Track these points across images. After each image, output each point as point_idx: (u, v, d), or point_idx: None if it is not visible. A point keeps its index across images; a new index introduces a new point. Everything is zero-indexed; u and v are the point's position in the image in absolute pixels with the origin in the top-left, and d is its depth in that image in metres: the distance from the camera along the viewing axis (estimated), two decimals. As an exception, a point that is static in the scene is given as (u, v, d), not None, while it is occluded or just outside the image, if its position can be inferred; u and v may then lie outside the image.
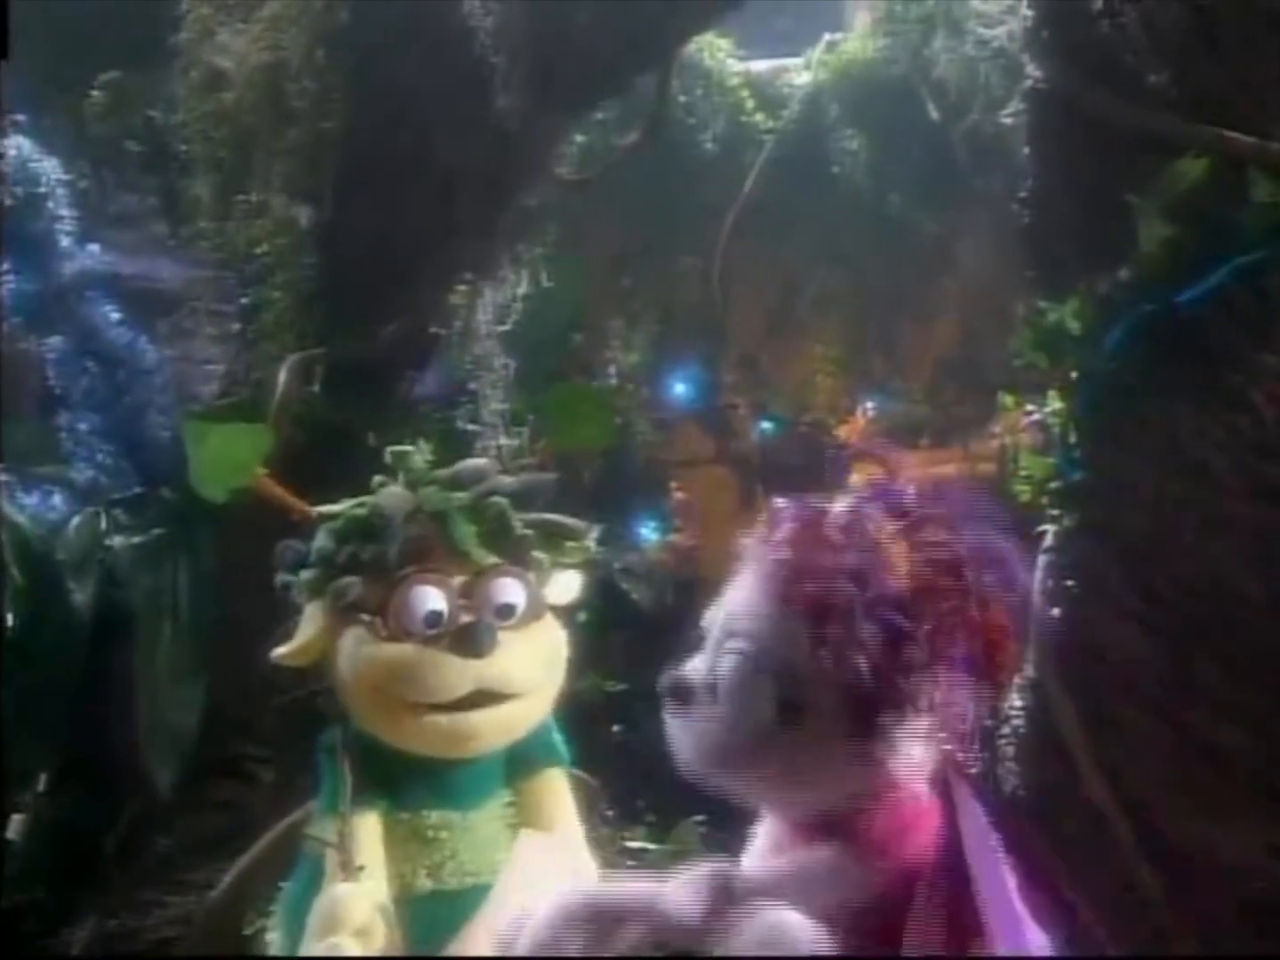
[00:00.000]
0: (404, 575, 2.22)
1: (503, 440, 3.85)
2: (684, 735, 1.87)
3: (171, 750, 3.17)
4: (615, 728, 3.87)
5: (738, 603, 1.87)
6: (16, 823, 3.37)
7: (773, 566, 1.83)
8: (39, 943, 3.21)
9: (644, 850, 3.23)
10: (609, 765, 2.79)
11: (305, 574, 2.31)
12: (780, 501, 1.98)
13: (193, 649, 3.26)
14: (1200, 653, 2.51)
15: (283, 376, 3.38)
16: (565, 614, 2.45)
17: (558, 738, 2.47)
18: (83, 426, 3.40)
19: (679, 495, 5.25)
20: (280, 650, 2.33)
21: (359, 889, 2.17)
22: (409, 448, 2.44)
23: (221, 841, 3.24)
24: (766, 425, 5.46)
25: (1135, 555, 2.62)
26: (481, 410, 3.82)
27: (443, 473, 2.38)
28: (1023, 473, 2.80)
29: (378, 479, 2.42)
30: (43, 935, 3.23)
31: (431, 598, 2.23)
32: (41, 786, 3.40)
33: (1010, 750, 2.77)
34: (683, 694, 1.85)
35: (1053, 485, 2.73)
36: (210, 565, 3.27)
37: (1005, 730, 2.81)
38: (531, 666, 2.29)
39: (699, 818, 3.45)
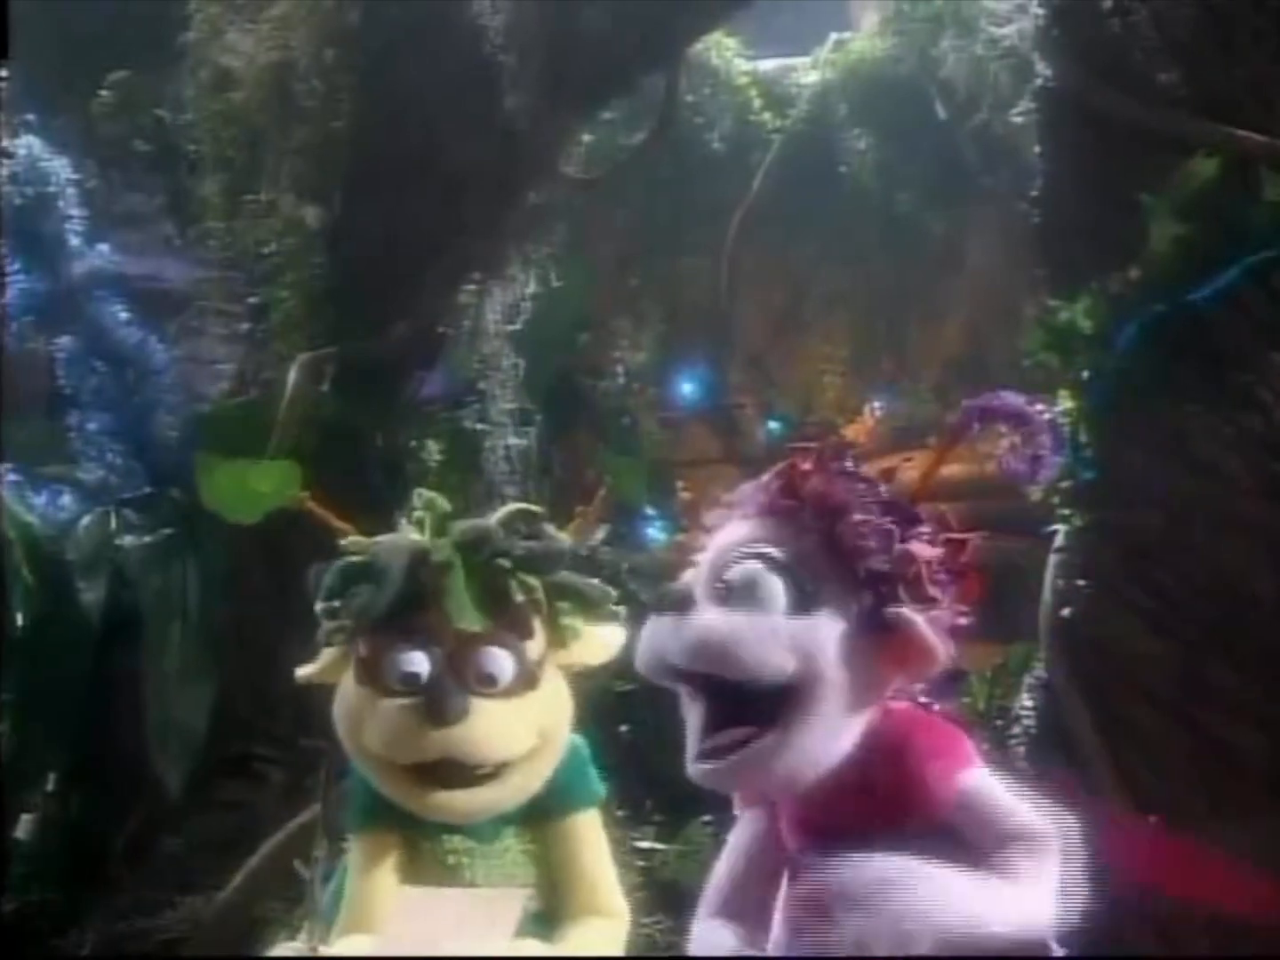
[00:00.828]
0: (392, 630, 2.17)
1: (511, 440, 3.85)
2: (683, 634, 1.82)
3: (180, 751, 3.16)
4: (623, 728, 3.85)
5: (734, 534, 1.87)
6: (25, 822, 3.36)
7: (775, 482, 1.84)
8: (49, 942, 3.21)
9: (653, 850, 3.22)
10: (617, 766, 2.77)
11: (318, 606, 2.28)
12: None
13: (202, 649, 3.25)
14: (1212, 652, 2.51)
15: (293, 376, 3.38)
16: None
17: (589, 776, 2.35)
18: (92, 426, 3.40)
19: (686, 495, 5.24)
20: (303, 671, 2.31)
21: (295, 951, 2.17)
22: (433, 495, 2.39)
23: (230, 842, 3.24)
24: (773, 425, 5.45)
25: (1146, 554, 2.62)
26: (490, 409, 3.81)
27: (458, 529, 2.31)
28: (1033, 472, 2.80)
29: (415, 515, 2.37)
30: (52, 935, 3.22)
31: (412, 660, 2.16)
32: (51, 786, 3.40)
33: (1021, 750, 2.77)
34: (684, 602, 1.82)
35: (1063, 485, 2.74)
36: (219, 565, 3.27)
37: (1016, 730, 2.82)
38: (513, 737, 2.19)
39: (706, 818, 3.44)
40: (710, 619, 1.79)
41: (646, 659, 1.86)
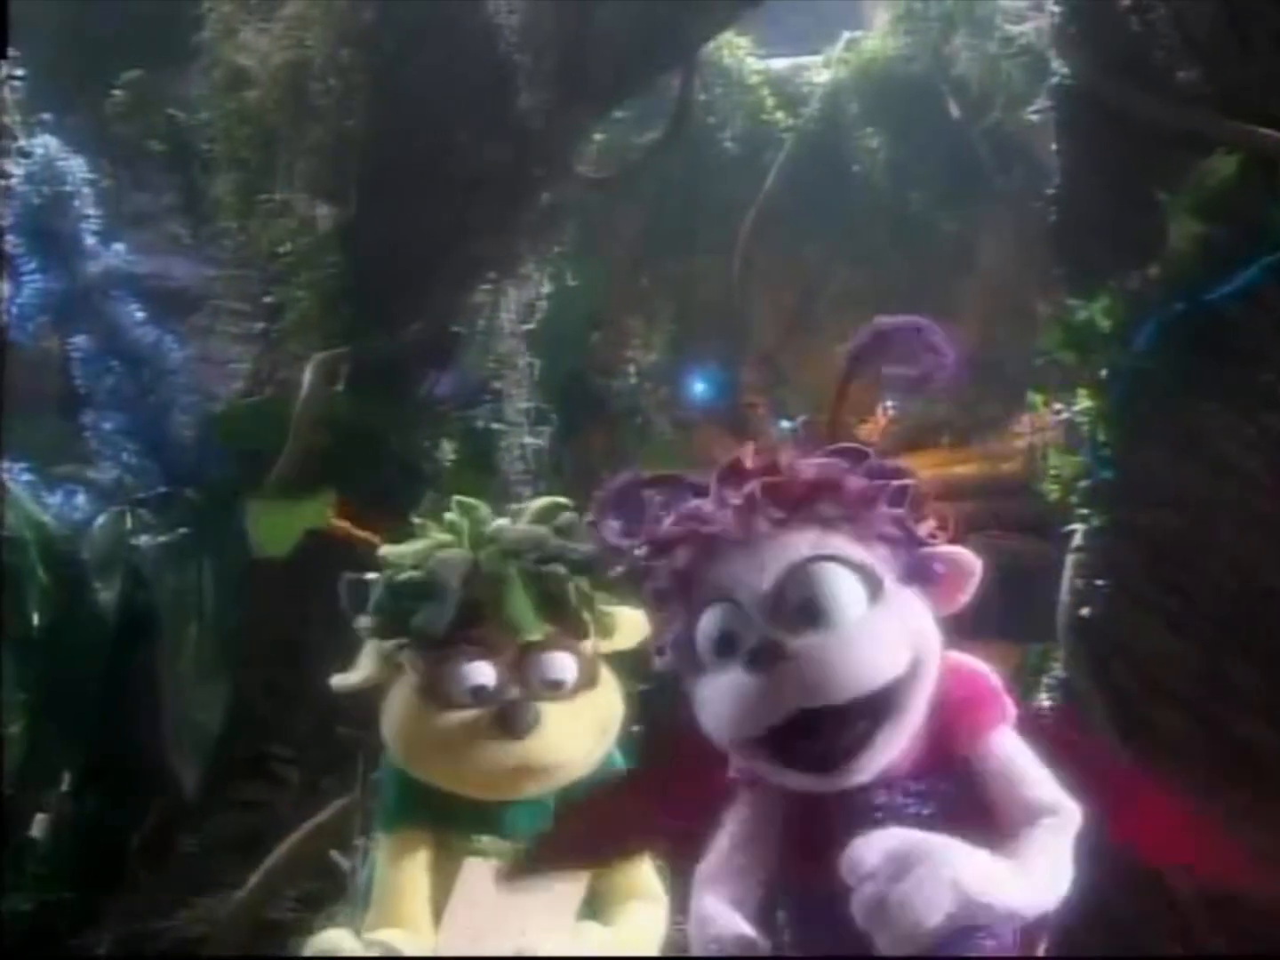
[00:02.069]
0: (454, 644, 2.20)
1: (526, 439, 3.84)
2: (801, 675, 1.71)
3: (197, 750, 3.16)
4: (636, 728, 3.84)
5: (751, 575, 1.77)
6: (41, 822, 3.35)
7: (747, 508, 1.74)
8: (65, 942, 3.21)
9: (674, 850, 3.21)
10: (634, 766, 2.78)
11: (364, 621, 2.28)
12: None
13: (218, 648, 3.24)
14: (1233, 652, 2.50)
15: (308, 376, 3.37)
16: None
17: (614, 758, 2.36)
18: (107, 426, 3.38)
19: (697, 494, 5.21)
20: (339, 680, 2.32)
21: (344, 937, 2.18)
22: (475, 502, 2.38)
23: (247, 842, 3.23)
24: (785, 424, 5.44)
25: (1166, 554, 2.61)
26: (505, 409, 3.80)
27: (506, 533, 2.32)
28: (1052, 471, 2.79)
29: (448, 516, 2.36)
30: (69, 935, 3.22)
31: (479, 672, 2.19)
32: (66, 786, 3.39)
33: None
34: (770, 651, 1.71)
35: (1082, 484, 2.73)
36: (235, 565, 3.26)
37: (1034, 730, 2.80)
38: (577, 738, 2.23)
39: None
40: (814, 649, 1.61)
41: (734, 728, 1.66)
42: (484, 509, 2.31)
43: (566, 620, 2.22)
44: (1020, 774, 1.72)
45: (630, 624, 2.27)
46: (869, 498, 1.69)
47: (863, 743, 1.61)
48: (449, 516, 2.31)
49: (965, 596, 1.73)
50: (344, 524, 2.45)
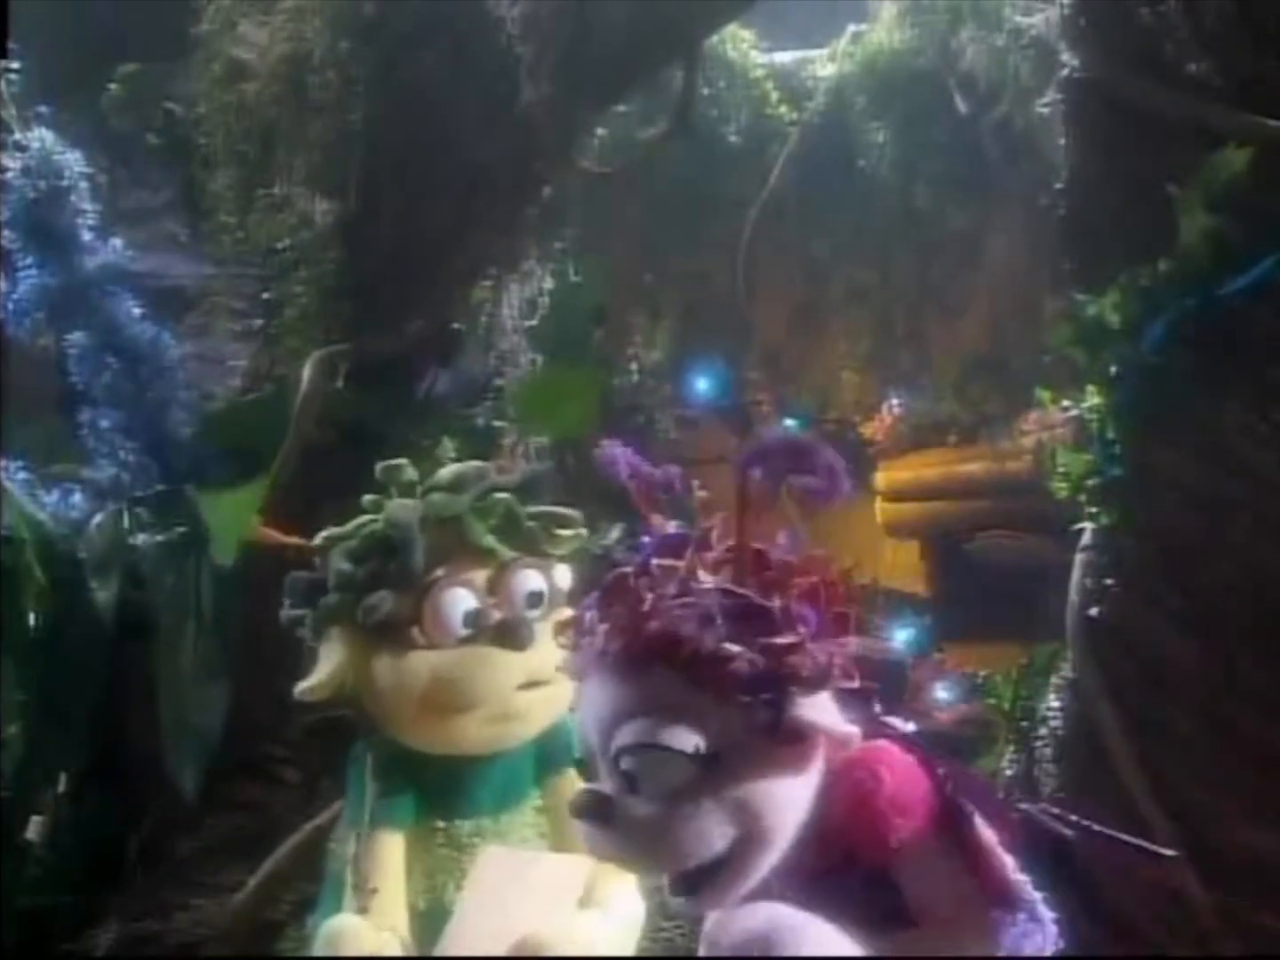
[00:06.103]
0: (431, 582, 2.25)
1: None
2: (624, 843, 1.64)
3: (195, 751, 3.13)
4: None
5: (595, 708, 1.68)
6: (36, 824, 3.33)
7: (602, 644, 1.65)
8: (63, 945, 3.19)
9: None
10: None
11: (328, 600, 2.30)
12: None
13: (216, 648, 3.22)
14: (1245, 653, 2.48)
15: (306, 373, 3.34)
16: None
17: (572, 734, 2.48)
18: (104, 423, 3.34)
19: (701, 494, 5.19)
20: (304, 685, 2.32)
21: (359, 922, 2.18)
22: (399, 461, 2.47)
23: (245, 843, 3.22)
24: (790, 423, 5.40)
25: (1177, 553, 2.58)
26: (507, 406, 3.78)
27: (443, 478, 2.39)
28: (1060, 469, 2.76)
29: (368, 497, 2.41)
30: (66, 938, 3.20)
31: (464, 599, 2.26)
32: (62, 787, 3.37)
33: (1048, 751, 2.74)
34: (603, 809, 1.62)
35: (1090, 482, 2.70)
36: (233, 564, 3.23)
37: (1043, 731, 2.78)
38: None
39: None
40: (634, 820, 1.63)
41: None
42: (409, 468, 2.41)
43: (525, 542, 2.34)
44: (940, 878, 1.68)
45: (571, 523, 2.44)
46: (721, 658, 1.62)
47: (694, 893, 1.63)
48: (379, 478, 2.43)
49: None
50: (273, 532, 2.53)
